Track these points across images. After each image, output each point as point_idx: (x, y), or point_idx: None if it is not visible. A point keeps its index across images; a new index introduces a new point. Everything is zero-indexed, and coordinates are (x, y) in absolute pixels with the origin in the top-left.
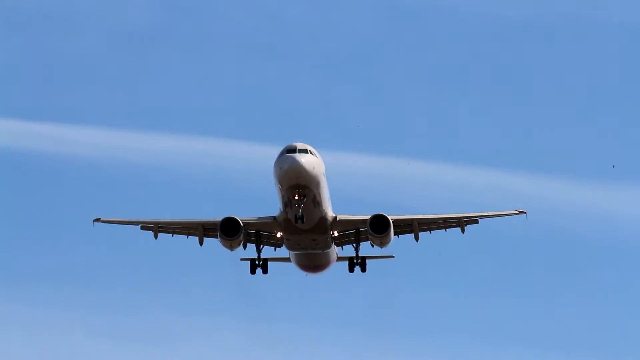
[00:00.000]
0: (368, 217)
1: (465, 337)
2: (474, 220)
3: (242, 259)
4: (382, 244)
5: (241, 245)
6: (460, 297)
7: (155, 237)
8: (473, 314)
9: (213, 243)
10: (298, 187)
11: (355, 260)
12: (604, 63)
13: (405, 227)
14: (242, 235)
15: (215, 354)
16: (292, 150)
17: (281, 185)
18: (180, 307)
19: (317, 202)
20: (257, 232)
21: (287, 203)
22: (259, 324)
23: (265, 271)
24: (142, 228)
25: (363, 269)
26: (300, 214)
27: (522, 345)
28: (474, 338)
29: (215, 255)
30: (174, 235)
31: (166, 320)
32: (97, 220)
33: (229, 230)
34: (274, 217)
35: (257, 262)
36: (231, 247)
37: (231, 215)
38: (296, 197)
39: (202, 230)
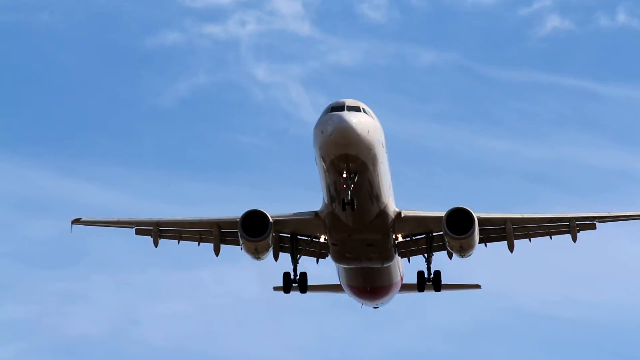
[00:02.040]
0: (444, 213)
1: None
2: (590, 224)
3: (275, 288)
4: (463, 249)
5: (271, 253)
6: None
7: (156, 244)
8: None
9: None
10: (346, 159)
11: (426, 275)
12: None
13: (496, 231)
14: (270, 236)
15: None
16: (339, 107)
17: (323, 158)
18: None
19: (373, 187)
20: (293, 235)
21: (332, 187)
22: None
23: (303, 289)
24: (138, 232)
25: (437, 287)
26: (349, 197)
27: None
28: None
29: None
30: (181, 241)
31: None
32: (77, 221)
33: (254, 229)
34: (316, 213)
35: (292, 278)
36: (257, 253)
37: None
38: (344, 175)
39: (219, 231)
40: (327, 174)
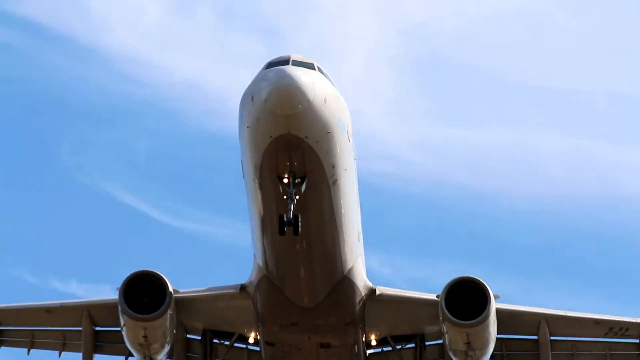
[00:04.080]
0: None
1: None
2: None
3: None
4: (471, 349)
5: (167, 352)
6: None
7: None
8: None
9: None
10: (288, 144)
11: None
12: None
13: (524, 342)
14: (169, 315)
15: None
16: (282, 62)
17: (251, 152)
18: None
19: (331, 214)
20: (206, 333)
21: (266, 212)
22: None
23: None
24: None
25: None
26: (291, 213)
27: None
28: None
29: None
30: (32, 349)
31: None
32: None
33: (144, 304)
34: (242, 286)
35: None
36: (146, 346)
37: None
38: (285, 178)
39: (91, 327)
40: (258, 184)
